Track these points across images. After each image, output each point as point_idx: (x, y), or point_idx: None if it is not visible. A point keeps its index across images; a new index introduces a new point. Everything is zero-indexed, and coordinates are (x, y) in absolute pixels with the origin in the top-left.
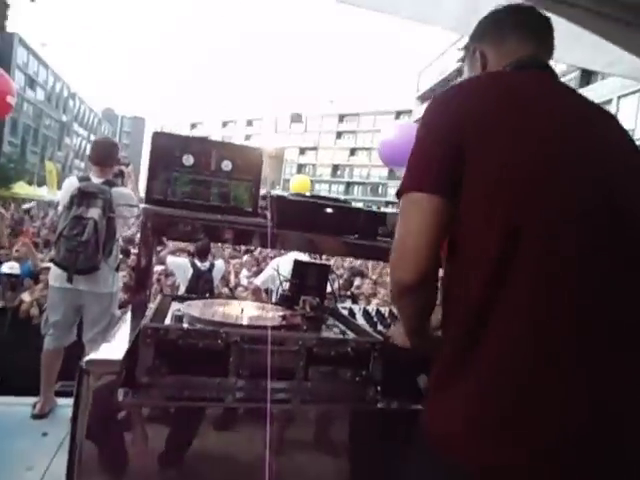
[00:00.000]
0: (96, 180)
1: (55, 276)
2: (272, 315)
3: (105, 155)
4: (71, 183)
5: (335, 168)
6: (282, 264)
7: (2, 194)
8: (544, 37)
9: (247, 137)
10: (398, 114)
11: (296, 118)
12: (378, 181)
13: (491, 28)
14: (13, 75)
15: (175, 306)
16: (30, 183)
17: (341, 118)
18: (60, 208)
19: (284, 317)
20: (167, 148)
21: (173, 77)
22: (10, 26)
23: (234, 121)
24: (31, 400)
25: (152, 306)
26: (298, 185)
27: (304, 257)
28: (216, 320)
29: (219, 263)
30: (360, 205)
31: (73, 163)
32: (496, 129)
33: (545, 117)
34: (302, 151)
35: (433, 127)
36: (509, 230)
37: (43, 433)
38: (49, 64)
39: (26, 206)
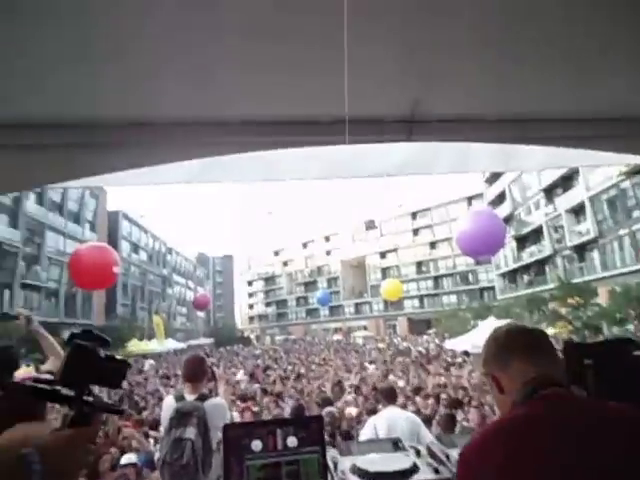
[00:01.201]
0: (189, 396)
1: None
2: None
3: (195, 371)
4: (169, 405)
5: (419, 265)
6: (378, 423)
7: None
8: (544, 352)
9: (327, 252)
10: (469, 200)
11: (370, 225)
12: (466, 269)
13: (496, 353)
14: (120, 244)
15: None
16: (141, 338)
17: (414, 215)
18: (162, 429)
19: None
20: (237, 437)
21: (254, 214)
22: (115, 206)
23: (313, 240)
24: None
25: None
26: (391, 291)
27: (399, 412)
28: None
29: None
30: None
31: (176, 310)
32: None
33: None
34: (382, 255)
35: None
36: None
37: None
38: (148, 229)
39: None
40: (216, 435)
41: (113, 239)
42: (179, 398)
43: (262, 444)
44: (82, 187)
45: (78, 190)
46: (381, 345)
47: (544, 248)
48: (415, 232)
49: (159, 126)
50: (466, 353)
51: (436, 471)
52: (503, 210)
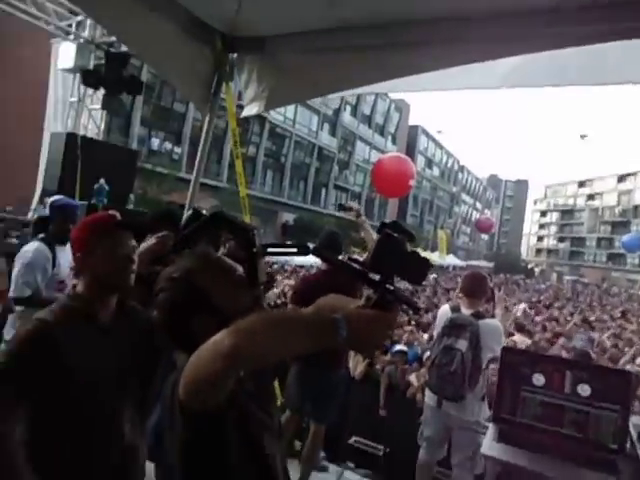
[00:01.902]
0: (466, 311)
1: (429, 396)
2: None
3: (475, 287)
4: (444, 313)
5: None
6: None
7: None
8: None
9: None
10: None
11: None
12: None
13: None
14: (416, 158)
15: None
16: (425, 249)
17: None
18: (434, 334)
19: None
20: (517, 365)
21: (561, 137)
22: (415, 120)
23: (635, 173)
24: None
25: None
26: None
27: None
28: None
29: None
30: None
31: (460, 228)
32: None
33: None
34: None
35: None
36: None
37: None
38: (443, 145)
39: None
40: (486, 355)
41: (411, 152)
42: (455, 309)
43: (545, 380)
44: (388, 91)
45: (385, 103)
46: None
47: None
48: None
49: (464, 21)
50: None
51: None
52: None
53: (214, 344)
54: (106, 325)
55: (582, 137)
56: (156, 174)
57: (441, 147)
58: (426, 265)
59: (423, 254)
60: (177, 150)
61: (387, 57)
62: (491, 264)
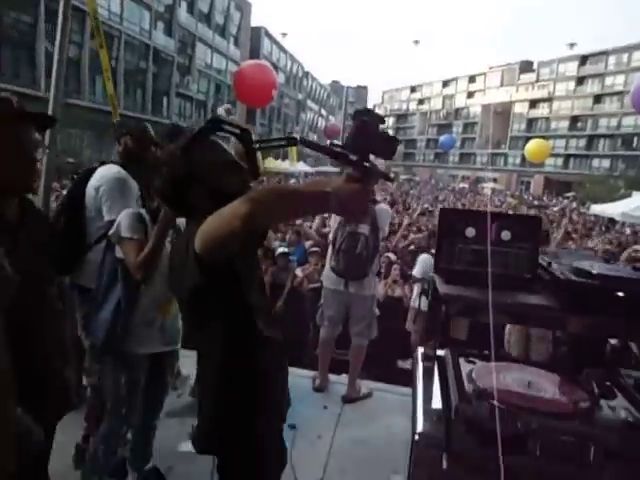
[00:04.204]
0: None
1: (331, 280)
2: (565, 397)
3: None
4: None
5: (574, 120)
6: None
7: None
8: None
9: (470, 94)
10: None
11: (526, 67)
12: (632, 131)
13: None
14: None
15: (465, 368)
16: (277, 158)
17: (583, 60)
18: (332, 223)
19: (577, 403)
20: (452, 222)
21: (397, 43)
22: (256, 21)
23: (455, 79)
24: (307, 373)
25: (447, 367)
26: (536, 152)
27: None
28: (515, 404)
29: None
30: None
31: (308, 135)
32: None
33: None
34: (533, 104)
35: None
36: None
37: (324, 406)
38: (287, 50)
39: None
40: (379, 236)
41: (254, 57)
42: None
43: (476, 232)
44: None
45: (224, 2)
46: (510, 200)
47: None
48: (580, 80)
49: None
50: (612, 221)
51: None
52: None
53: (232, 209)
54: (10, 225)
55: (415, 42)
56: None
57: (285, 51)
58: (394, 142)
59: (273, 163)
60: None
61: None
62: (337, 169)
